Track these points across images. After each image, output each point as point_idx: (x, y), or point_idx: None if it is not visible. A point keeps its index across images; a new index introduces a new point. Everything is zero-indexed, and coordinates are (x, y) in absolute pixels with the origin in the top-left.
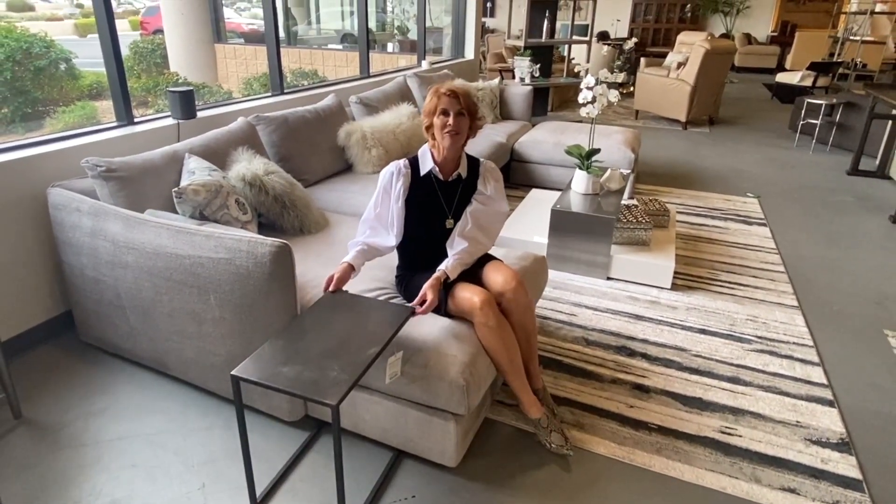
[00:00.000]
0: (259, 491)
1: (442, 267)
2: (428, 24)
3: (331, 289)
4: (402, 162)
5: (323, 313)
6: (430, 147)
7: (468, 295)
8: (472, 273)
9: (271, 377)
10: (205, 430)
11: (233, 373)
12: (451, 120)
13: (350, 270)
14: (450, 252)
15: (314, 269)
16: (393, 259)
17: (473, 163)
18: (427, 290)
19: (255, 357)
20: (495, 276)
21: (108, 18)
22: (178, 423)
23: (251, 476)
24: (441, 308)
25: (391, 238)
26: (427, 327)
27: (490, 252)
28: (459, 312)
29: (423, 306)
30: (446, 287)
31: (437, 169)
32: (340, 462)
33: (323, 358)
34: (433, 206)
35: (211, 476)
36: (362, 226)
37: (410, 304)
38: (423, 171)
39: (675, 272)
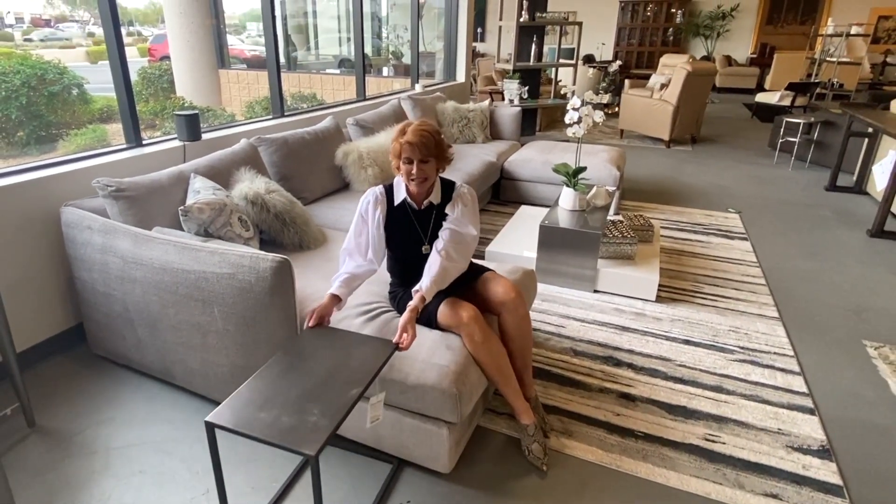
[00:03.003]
0: (264, 498)
1: (417, 288)
2: (421, 49)
3: (311, 323)
4: (379, 189)
5: (305, 349)
6: (403, 180)
7: (455, 311)
8: (467, 285)
9: (247, 424)
10: None
11: (207, 419)
12: (414, 168)
13: (335, 301)
14: (425, 272)
15: (313, 282)
16: (388, 273)
17: (448, 187)
18: (405, 324)
19: (231, 400)
20: (495, 288)
21: (117, 46)
22: (183, 431)
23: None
24: (432, 322)
25: (374, 264)
26: (420, 338)
27: (483, 265)
28: (447, 327)
29: (405, 342)
30: (436, 301)
31: (409, 198)
32: None
33: (302, 401)
34: (409, 234)
35: (215, 482)
36: (343, 255)
37: (394, 341)
38: (396, 201)
39: (660, 285)
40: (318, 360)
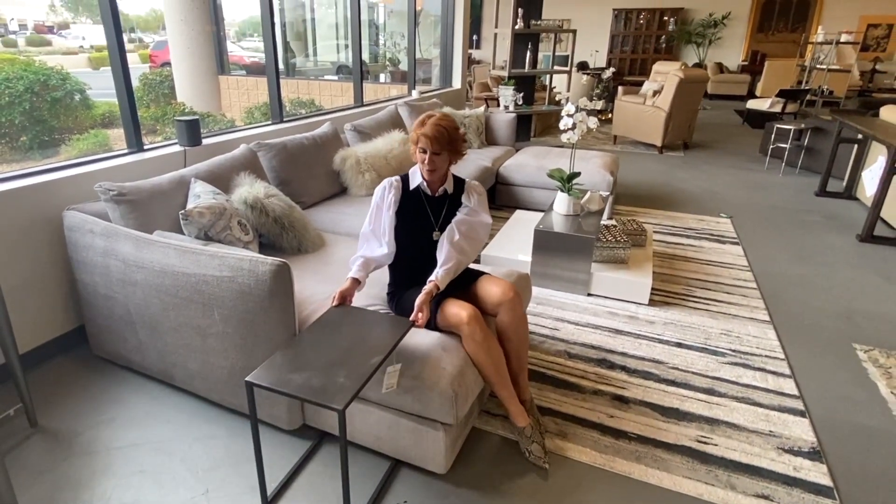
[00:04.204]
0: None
1: (432, 278)
2: (418, 55)
3: (335, 303)
4: (394, 178)
5: (329, 325)
6: (419, 167)
7: (456, 310)
8: (464, 289)
9: (282, 383)
10: (209, 438)
11: (247, 379)
12: (427, 158)
13: (355, 284)
14: (439, 259)
15: (311, 286)
16: (385, 276)
17: (459, 181)
18: (420, 305)
19: (266, 365)
20: (492, 288)
21: (119, 52)
22: (183, 431)
23: (262, 476)
24: (431, 323)
25: (385, 248)
26: (418, 341)
27: (479, 269)
28: (447, 327)
29: (420, 320)
30: (435, 303)
31: (425, 184)
32: (346, 463)
33: (330, 366)
34: (422, 219)
35: (214, 482)
36: (361, 239)
37: (410, 319)
38: (412, 186)
39: (653, 289)
40: (341, 334)
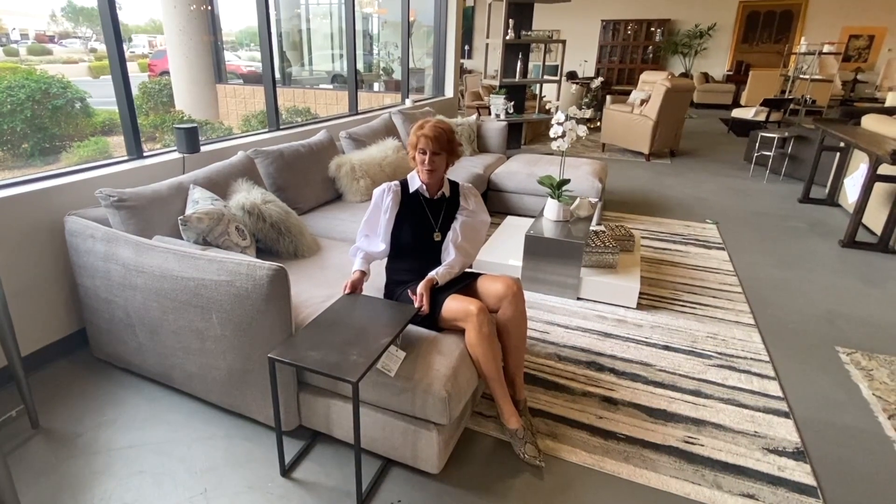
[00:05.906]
0: (260, 497)
1: (432, 274)
2: (411, 65)
3: (347, 291)
4: (393, 182)
5: (342, 311)
6: (417, 172)
7: (464, 304)
8: (464, 288)
9: (301, 359)
10: (207, 439)
11: (269, 355)
12: (427, 159)
13: (363, 275)
14: (444, 261)
15: (308, 289)
16: (380, 279)
17: (454, 185)
18: (422, 292)
19: (286, 344)
20: (494, 284)
21: (119, 61)
22: (182, 432)
23: (281, 446)
24: (432, 320)
25: (381, 244)
26: (413, 342)
27: (476, 272)
28: (452, 321)
29: (425, 305)
30: (439, 300)
31: (423, 187)
32: (359, 435)
33: (344, 345)
34: (422, 221)
35: (212, 482)
36: (360, 235)
37: (416, 305)
38: (412, 189)
39: (641, 293)
40: (353, 318)
